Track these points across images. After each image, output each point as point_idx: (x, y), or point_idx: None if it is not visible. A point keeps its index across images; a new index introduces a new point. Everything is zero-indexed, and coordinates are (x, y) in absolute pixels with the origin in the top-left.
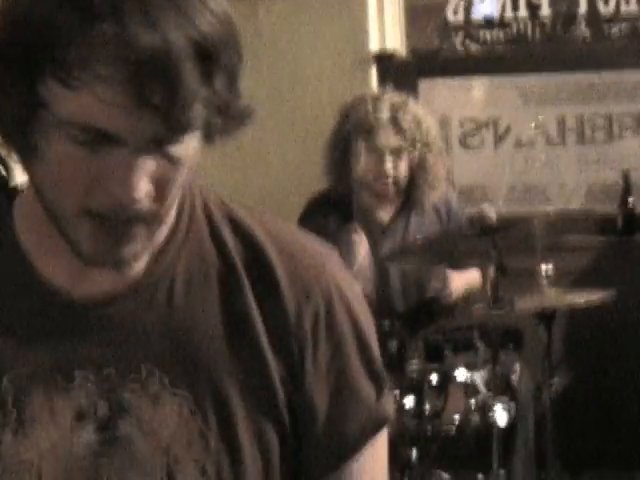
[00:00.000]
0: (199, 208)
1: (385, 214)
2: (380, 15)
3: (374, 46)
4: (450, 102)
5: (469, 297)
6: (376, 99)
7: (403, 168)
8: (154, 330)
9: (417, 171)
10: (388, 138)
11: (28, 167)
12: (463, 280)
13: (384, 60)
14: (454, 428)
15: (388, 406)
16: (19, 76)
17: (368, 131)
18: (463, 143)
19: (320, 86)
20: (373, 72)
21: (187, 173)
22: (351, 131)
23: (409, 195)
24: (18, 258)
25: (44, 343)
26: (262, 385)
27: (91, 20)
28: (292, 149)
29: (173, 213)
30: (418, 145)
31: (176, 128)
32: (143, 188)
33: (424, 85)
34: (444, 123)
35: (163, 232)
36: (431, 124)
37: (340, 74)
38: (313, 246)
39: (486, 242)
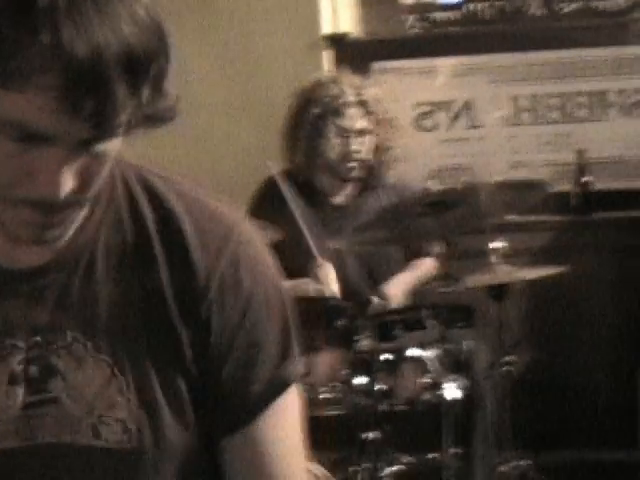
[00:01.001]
0: (119, 181)
1: (342, 196)
2: None
3: (327, 28)
4: (404, 84)
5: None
6: (340, 81)
7: (368, 149)
8: (77, 300)
9: (378, 152)
10: (356, 120)
11: None
12: (402, 285)
13: (337, 42)
14: (407, 407)
15: (292, 369)
16: None
17: (336, 113)
18: (417, 125)
19: (273, 68)
20: (325, 55)
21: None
22: (319, 113)
23: (368, 176)
24: None
25: None
26: (172, 349)
27: (30, 32)
28: (244, 131)
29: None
30: (381, 126)
31: (104, 133)
32: (68, 185)
33: (377, 67)
34: (398, 105)
35: (85, 207)
36: (389, 105)
37: (293, 56)
38: (223, 211)
39: (434, 219)
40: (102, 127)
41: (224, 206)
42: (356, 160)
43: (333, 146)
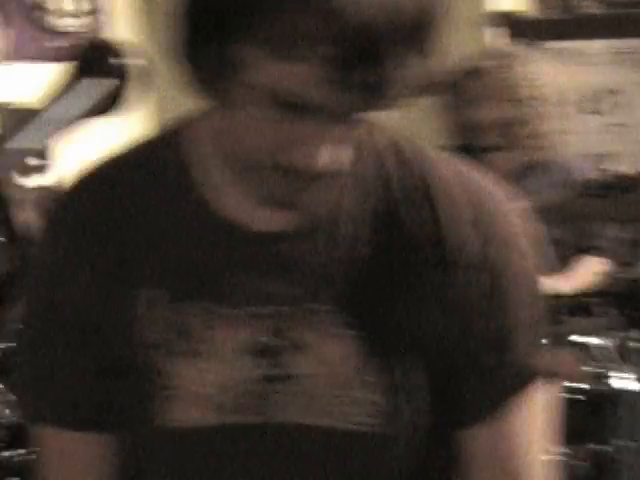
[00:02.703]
0: (365, 145)
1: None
2: None
3: (495, 4)
4: (568, 67)
5: None
6: (507, 53)
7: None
8: (327, 269)
9: (538, 130)
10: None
11: (219, 110)
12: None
13: (507, 19)
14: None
15: (540, 358)
16: (222, 34)
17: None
18: (580, 108)
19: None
20: (492, 31)
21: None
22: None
23: (528, 151)
24: (191, 189)
25: (220, 275)
26: (416, 327)
27: (301, 1)
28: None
29: None
30: (541, 103)
31: (372, 103)
32: (326, 154)
33: (547, 47)
34: (563, 87)
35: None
36: (553, 86)
37: (459, 32)
38: (478, 181)
39: (607, 202)
40: (369, 98)
41: (479, 176)
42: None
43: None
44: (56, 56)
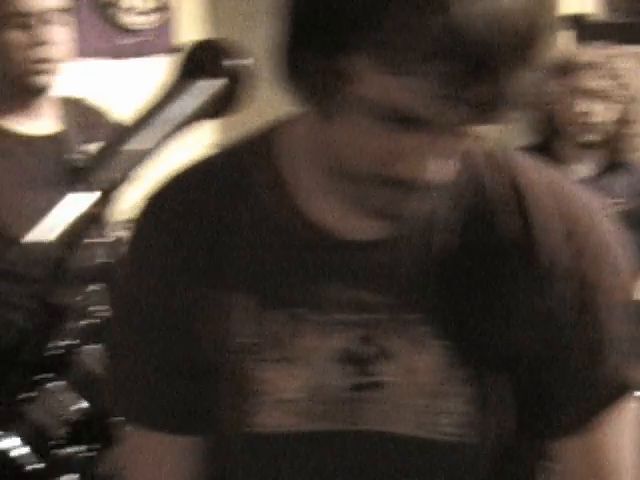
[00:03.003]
0: (463, 155)
1: (585, 168)
2: None
3: (567, 8)
4: None
5: None
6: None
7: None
8: (416, 279)
9: (623, 126)
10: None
11: (321, 120)
12: None
13: (578, 23)
14: None
15: (633, 372)
16: (330, 46)
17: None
18: None
19: None
20: (561, 35)
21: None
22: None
23: (613, 150)
24: (284, 195)
25: (311, 283)
26: (508, 339)
27: (428, 10)
28: None
29: None
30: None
31: (484, 119)
32: (434, 168)
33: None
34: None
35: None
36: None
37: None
38: (576, 192)
39: None
40: (483, 113)
41: (571, 185)
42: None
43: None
44: (126, 53)
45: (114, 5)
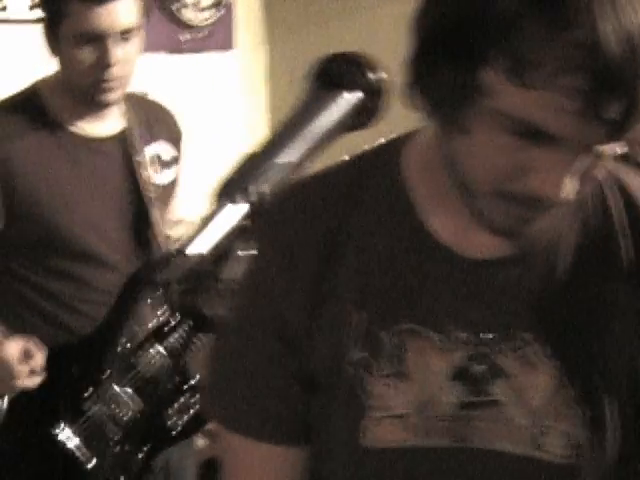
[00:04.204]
0: (590, 173)
1: None
2: None
3: None
4: None
5: None
6: None
7: None
8: (535, 299)
9: None
10: None
11: (447, 134)
12: None
13: None
14: None
15: None
16: (462, 59)
17: None
18: None
19: None
20: None
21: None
22: None
23: None
24: (407, 210)
25: (428, 299)
26: (624, 363)
27: (562, 25)
28: None
29: None
30: None
31: (618, 138)
32: (567, 186)
33: None
34: None
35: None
36: None
37: None
38: None
39: None
40: (619, 132)
41: None
42: None
43: None
44: (185, 49)
45: (178, 0)
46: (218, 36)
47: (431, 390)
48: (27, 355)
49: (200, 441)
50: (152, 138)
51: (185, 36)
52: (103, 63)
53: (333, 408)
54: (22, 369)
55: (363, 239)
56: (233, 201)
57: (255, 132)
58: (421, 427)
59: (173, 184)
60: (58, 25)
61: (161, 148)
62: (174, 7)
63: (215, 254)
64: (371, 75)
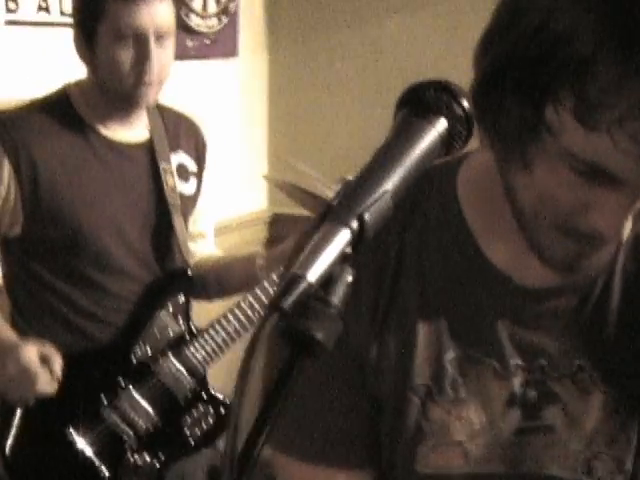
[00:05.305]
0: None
1: None
2: None
3: None
4: None
5: None
6: None
7: None
8: (589, 327)
9: None
10: None
11: (507, 166)
12: None
13: None
14: None
15: None
16: (531, 95)
17: None
18: None
19: None
20: None
21: None
22: None
23: None
24: (464, 235)
25: (485, 324)
26: None
27: (634, 71)
28: None
29: None
30: None
31: None
32: (619, 224)
33: None
34: None
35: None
36: None
37: None
38: None
39: None
40: None
41: None
42: None
43: None
44: (195, 55)
45: (187, 6)
46: (223, 43)
47: (490, 416)
48: (45, 360)
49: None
50: (177, 148)
51: (192, 42)
52: (144, 62)
53: (395, 433)
54: (42, 374)
55: (421, 262)
56: (348, 226)
57: (255, 140)
58: (479, 452)
59: (196, 195)
60: (96, 25)
61: (185, 158)
62: (182, 12)
63: (325, 278)
64: (464, 102)
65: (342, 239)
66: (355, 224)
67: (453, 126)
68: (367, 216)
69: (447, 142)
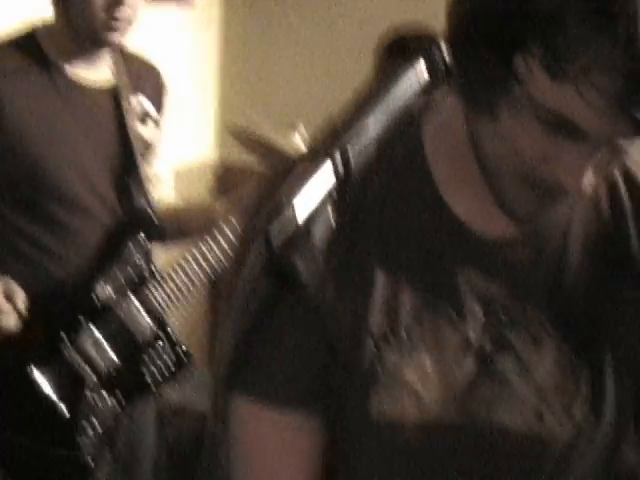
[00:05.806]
0: (603, 168)
1: None
2: None
3: None
4: None
5: None
6: None
7: None
8: (542, 279)
9: None
10: None
11: (475, 115)
12: None
13: None
14: None
15: None
16: (500, 45)
17: None
18: None
19: None
20: None
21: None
22: None
23: None
24: (430, 187)
25: (445, 275)
26: (625, 343)
27: (601, 24)
28: None
29: None
30: None
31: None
32: (580, 177)
33: None
34: None
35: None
36: None
37: None
38: None
39: None
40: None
41: None
42: None
43: None
44: None
45: None
46: None
47: (443, 361)
48: (8, 296)
49: None
50: (139, 91)
51: None
52: (112, 2)
53: (347, 377)
54: (6, 306)
55: (384, 207)
56: (332, 159)
57: (206, 87)
58: (432, 396)
59: (155, 139)
60: None
61: (146, 103)
62: None
63: (308, 223)
64: (433, 48)
65: (326, 170)
66: (339, 157)
67: (431, 65)
68: (350, 149)
69: (425, 82)
